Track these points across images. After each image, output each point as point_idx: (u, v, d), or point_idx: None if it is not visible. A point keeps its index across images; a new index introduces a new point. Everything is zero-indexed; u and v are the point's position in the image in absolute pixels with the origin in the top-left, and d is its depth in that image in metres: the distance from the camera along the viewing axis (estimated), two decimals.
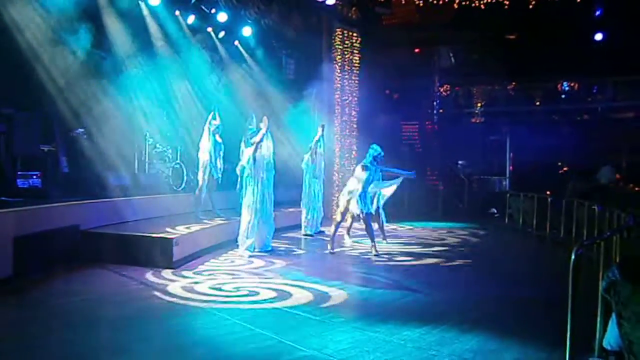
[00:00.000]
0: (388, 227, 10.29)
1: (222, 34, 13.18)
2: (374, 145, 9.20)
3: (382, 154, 9.13)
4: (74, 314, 5.43)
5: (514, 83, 20.81)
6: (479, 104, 21.05)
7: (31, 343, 4.58)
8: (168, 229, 8.32)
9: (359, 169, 9.10)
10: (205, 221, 9.47)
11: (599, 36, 17.31)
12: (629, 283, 2.94)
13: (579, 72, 18.79)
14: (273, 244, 9.17)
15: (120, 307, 5.66)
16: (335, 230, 9.30)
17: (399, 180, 9.69)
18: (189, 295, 6.25)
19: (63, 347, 4.50)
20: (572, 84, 20.20)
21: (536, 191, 13.32)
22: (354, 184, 9.00)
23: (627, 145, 18.56)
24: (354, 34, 14.84)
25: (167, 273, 7.16)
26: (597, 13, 16.23)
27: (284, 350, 4.49)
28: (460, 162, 20.42)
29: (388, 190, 9.73)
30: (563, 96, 20.48)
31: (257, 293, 6.30)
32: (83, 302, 5.86)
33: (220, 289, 6.50)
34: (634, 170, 18.52)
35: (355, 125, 14.87)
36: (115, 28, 10.81)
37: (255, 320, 5.25)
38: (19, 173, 8.53)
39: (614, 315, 3.07)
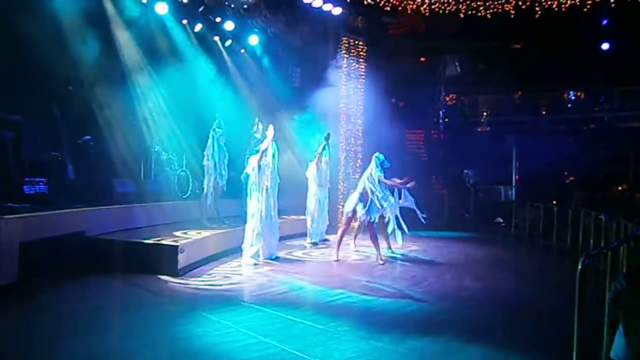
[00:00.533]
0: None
1: (228, 42, 13.25)
2: (379, 155, 9.20)
3: (387, 163, 9.12)
4: (79, 320, 5.44)
5: (520, 92, 20.81)
6: (485, 113, 21.05)
7: (37, 349, 4.59)
8: (173, 236, 8.34)
9: (367, 178, 9.09)
10: (210, 228, 9.47)
11: (605, 46, 17.31)
12: (636, 293, 2.92)
13: (585, 81, 18.78)
14: (278, 252, 9.16)
15: (125, 314, 5.67)
16: (341, 239, 9.29)
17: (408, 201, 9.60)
18: (193, 302, 6.26)
19: (68, 353, 4.50)
20: (578, 94, 20.17)
21: (542, 200, 13.27)
22: (363, 193, 9.00)
23: (633, 154, 18.47)
24: (360, 43, 14.89)
25: (172, 280, 7.17)
26: (604, 23, 16.23)
27: (287, 359, 4.47)
28: (466, 171, 20.39)
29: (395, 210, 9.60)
30: (569, 105, 20.44)
31: (261, 300, 6.29)
32: (88, 308, 5.87)
33: (224, 297, 6.50)
34: None
35: (360, 134, 14.88)
36: (122, 36, 10.90)
37: (258, 327, 5.24)
38: (25, 179, 8.57)
39: (621, 326, 3.04)
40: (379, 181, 9.00)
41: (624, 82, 18.35)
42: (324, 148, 10.96)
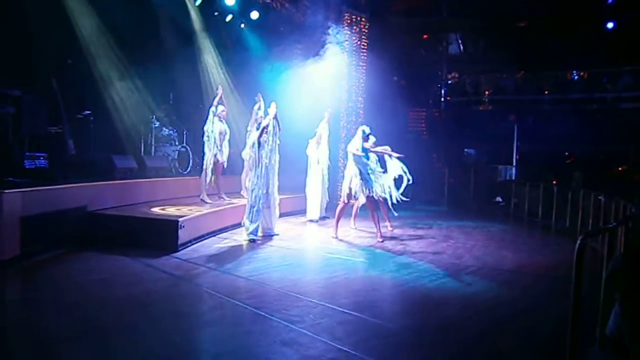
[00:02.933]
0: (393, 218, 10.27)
1: (229, 17, 13.12)
2: (364, 128, 9.17)
3: (366, 132, 9.12)
4: (80, 293, 5.49)
5: (522, 71, 20.63)
6: (487, 92, 20.91)
7: (38, 321, 4.64)
8: (174, 212, 8.37)
9: (353, 160, 9.03)
10: (210, 205, 9.50)
11: (610, 25, 17.13)
12: (633, 272, 2.94)
13: (588, 61, 18.58)
14: (277, 229, 9.20)
15: (126, 288, 5.71)
16: (340, 216, 9.31)
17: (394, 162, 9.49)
18: (193, 277, 6.31)
19: (70, 325, 4.55)
20: (581, 73, 19.98)
21: (542, 180, 13.28)
22: (353, 168, 8.97)
23: (635, 135, 18.40)
24: (363, 19, 14.73)
25: (172, 255, 7.21)
26: (609, 1, 16.06)
27: (288, 335, 4.52)
28: (466, 150, 20.37)
29: (389, 177, 9.54)
30: (572, 85, 20.27)
31: (261, 276, 6.35)
32: (89, 282, 5.92)
33: (223, 272, 6.55)
34: None
35: (361, 112, 14.82)
36: (122, 11, 10.77)
37: (258, 303, 5.28)
38: (26, 154, 8.57)
39: (617, 304, 3.08)
40: (367, 153, 9.01)
41: (627, 62, 18.16)
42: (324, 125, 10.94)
